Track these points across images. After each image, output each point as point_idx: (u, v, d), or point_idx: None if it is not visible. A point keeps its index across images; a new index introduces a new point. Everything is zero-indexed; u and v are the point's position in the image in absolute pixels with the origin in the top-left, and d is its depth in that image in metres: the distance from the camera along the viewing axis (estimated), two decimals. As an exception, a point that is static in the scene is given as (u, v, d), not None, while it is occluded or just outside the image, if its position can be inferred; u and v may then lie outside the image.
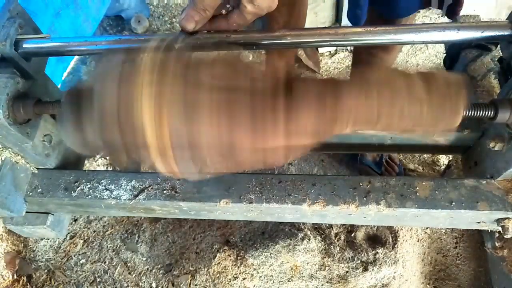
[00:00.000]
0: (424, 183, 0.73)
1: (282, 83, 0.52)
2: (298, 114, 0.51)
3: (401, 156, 1.30)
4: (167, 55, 0.52)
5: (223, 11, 0.61)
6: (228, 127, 0.50)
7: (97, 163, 1.28)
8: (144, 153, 0.52)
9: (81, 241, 1.16)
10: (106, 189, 0.78)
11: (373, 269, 1.05)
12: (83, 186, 0.79)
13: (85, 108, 0.53)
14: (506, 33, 0.62)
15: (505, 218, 0.72)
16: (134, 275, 1.11)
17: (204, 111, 0.49)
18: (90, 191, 0.78)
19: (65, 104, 0.55)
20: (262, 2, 0.56)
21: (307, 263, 1.07)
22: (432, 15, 1.64)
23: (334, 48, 1.56)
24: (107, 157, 1.28)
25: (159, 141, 0.50)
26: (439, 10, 0.86)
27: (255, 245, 1.10)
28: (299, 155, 0.55)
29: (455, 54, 0.93)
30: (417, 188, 0.73)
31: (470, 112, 0.61)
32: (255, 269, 1.06)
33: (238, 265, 1.07)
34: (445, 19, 0.86)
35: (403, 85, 0.53)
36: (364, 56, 1.10)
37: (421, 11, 1.64)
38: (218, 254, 1.09)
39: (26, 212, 0.83)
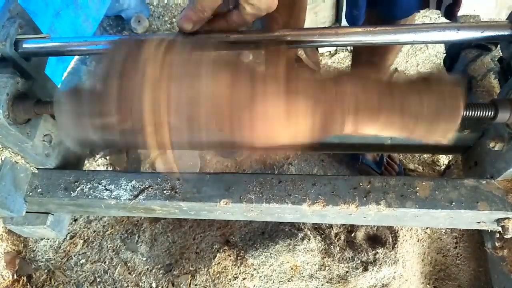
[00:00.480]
0: (424, 183, 0.73)
1: (283, 73, 0.52)
2: (298, 86, 0.51)
3: (401, 156, 1.30)
4: (169, 52, 0.52)
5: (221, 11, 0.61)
6: (228, 86, 0.51)
7: (97, 163, 1.28)
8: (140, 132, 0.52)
9: (81, 241, 1.16)
10: (106, 189, 0.78)
11: (373, 269, 1.05)
12: (83, 186, 0.79)
13: (84, 96, 0.54)
14: (506, 33, 0.62)
15: (505, 218, 0.72)
16: (134, 275, 1.11)
17: (205, 71, 0.50)
18: (90, 191, 0.78)
19: (64, 97, 0.56)
20: (261, 3, 0.56)
21: (307, 263, 1.07)
22: (432, 15, 1.64)
23: (334, 48, 1.56)
24: (107, 157, 1.28)
25: (155, 116, 0.51)
26: (438, 11, 0.86)
27: (255, 245, 1.10)
28: (301, 145, 0.55)
29: (455, 54, 0.93)
30: (417, 188, 0.73)
31: (470, 112, 0.61)
32: (255, 269, 1.06)
33: (238, 265, 1.07)
34: (446, 19, 0.86)
35: (402, 81, 0.53)
36: (364, 56, 1.10)
37: (421, 11, 1.64)
38: (218, 254, 1.09)
39: (26, 212, 0.83)
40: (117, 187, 0.78)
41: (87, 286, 1.10)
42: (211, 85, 0.51)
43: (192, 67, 0.51)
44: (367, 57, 1.08)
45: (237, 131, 0.52)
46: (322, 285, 1.05)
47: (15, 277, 1.08)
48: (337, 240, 1.10)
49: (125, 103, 0.51)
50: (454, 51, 0.93)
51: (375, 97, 0.53)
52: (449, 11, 0.82)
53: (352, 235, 1.11)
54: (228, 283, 1.05)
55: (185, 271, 1.09)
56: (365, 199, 0.73)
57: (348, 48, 1.55)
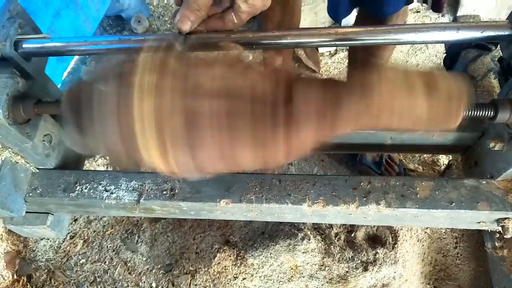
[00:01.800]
0: (424, 183, 0.73)
1: (282, 87, 0.51)
2: (298, 126, 0.51)
3: (401, 156, 1.30)
4: (167, 55, 0.52)
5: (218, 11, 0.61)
6: (229, 142, 0.50)
7: (97, 163, 1.28)
8: (145, 162, 0.52)
9: (81, 241, 1.16)
10: (106, 190, 0.78)
11: (373, 269, 1.05)
12: (82, 187, 0.79)
13: (85, 111, 0.52)
14: (506, 33, 0.62)
15: (505, 218, 0.72)
16: (134, 275, 1.11)
17: (204, 127, 0.49)
18: (90, 191, 0.78)
19: (65, 106, 0.55)
20: (255, 1, 0.57)
21: (307, 263, 1.07)
22: (432, 15, 1.64)
23: (334, 48, 1.56)
24: (107, 158, 1.28)
25: (162, 157, 0.50)
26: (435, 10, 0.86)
27: (255, 245, 1.10)
28: (299, 158, 0.56)
29: (455, 54, 0.93)
30: (417, 188, 0.73)
31: (470, 112, 0.61)
32: (255, 269, 1.06)
33: (238, 265, 1.07)
34: (446, 19, 0.86)
35: (404, 88, 0.52)
36: (359, 54, 1.10)
37: (421, 11, 1.63)
38: (218, 254, 1.09)
39: (26, 212, 0.83)
40: (116, 188, 0.78)
41: (87, 286, 1.10)
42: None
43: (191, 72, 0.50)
44: (363, 55, 1.08)
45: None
46: (322, 285, 1.05)
47: (15, 277, 1.08)
48: (337, 240, 1.10)
49: (126, 127, 0.50)
50: (454, 51, 0.93)
51: (374, 113, 0.52)
52: (436, 4, 0.82)
53: (352, 235, 1.11)
54: (228, 283, 1.05)
55: (185, 271, 1.09)
56: (365, 199, 0.73)
57: (348, 48, 1.55)
